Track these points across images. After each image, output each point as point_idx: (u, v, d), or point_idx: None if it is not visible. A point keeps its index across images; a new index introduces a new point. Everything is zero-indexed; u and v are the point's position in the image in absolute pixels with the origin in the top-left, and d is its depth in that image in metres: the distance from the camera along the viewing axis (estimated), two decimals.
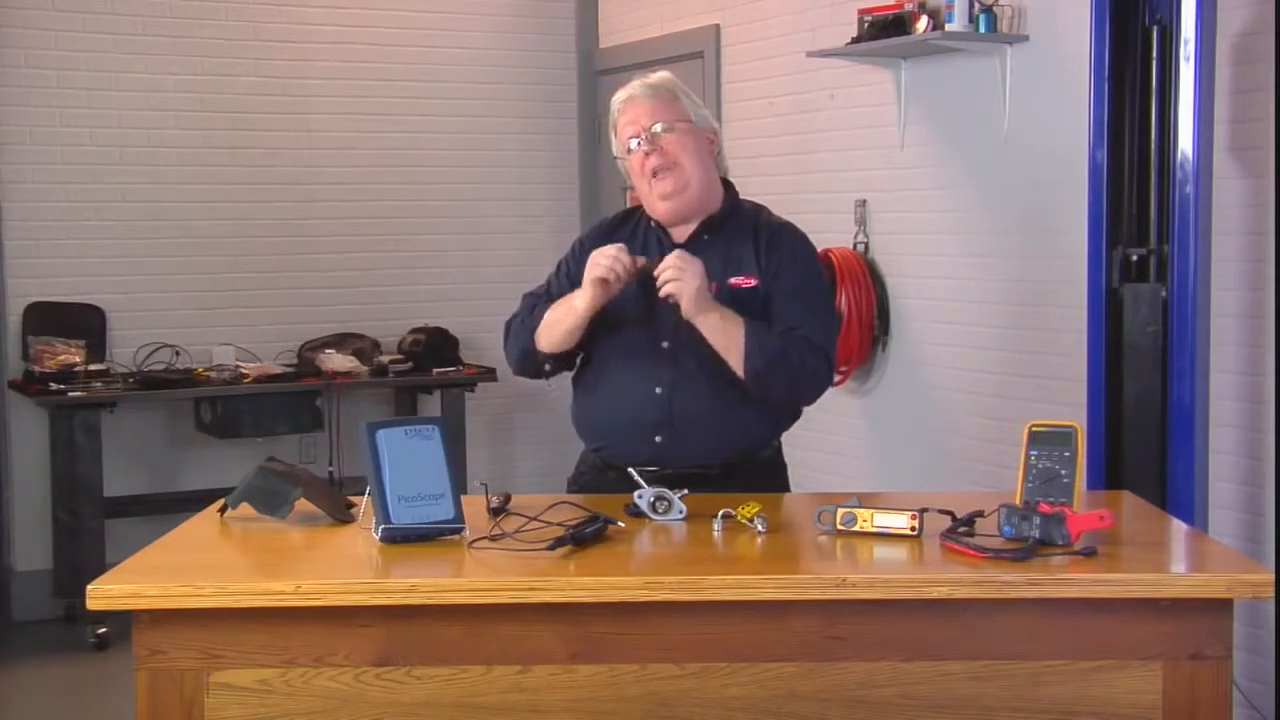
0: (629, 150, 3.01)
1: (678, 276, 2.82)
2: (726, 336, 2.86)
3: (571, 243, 3.21)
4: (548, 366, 3.06)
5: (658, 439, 2.92)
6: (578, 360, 3.09)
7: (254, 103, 6.06)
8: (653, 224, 3.06)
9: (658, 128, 2.97)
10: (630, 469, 2.70)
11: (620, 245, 2.90)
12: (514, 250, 6.40)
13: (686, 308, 2.83)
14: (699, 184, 2.99)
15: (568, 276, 3.10)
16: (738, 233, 3.02)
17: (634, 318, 2.97)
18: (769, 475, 3.04)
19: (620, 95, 3.06)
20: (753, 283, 2.96)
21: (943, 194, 4.84)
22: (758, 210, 3.12)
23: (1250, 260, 3.85)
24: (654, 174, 2.97)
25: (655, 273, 2.85)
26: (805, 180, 5.37)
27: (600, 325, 2.96)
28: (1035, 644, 2.25)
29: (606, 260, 2.86)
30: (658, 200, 2.99)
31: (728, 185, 3.11)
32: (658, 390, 2.93)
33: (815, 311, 2.99)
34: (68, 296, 5.74)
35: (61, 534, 5.66)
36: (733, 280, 2.96)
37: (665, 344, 2.95)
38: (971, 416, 4.76)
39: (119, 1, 5.83)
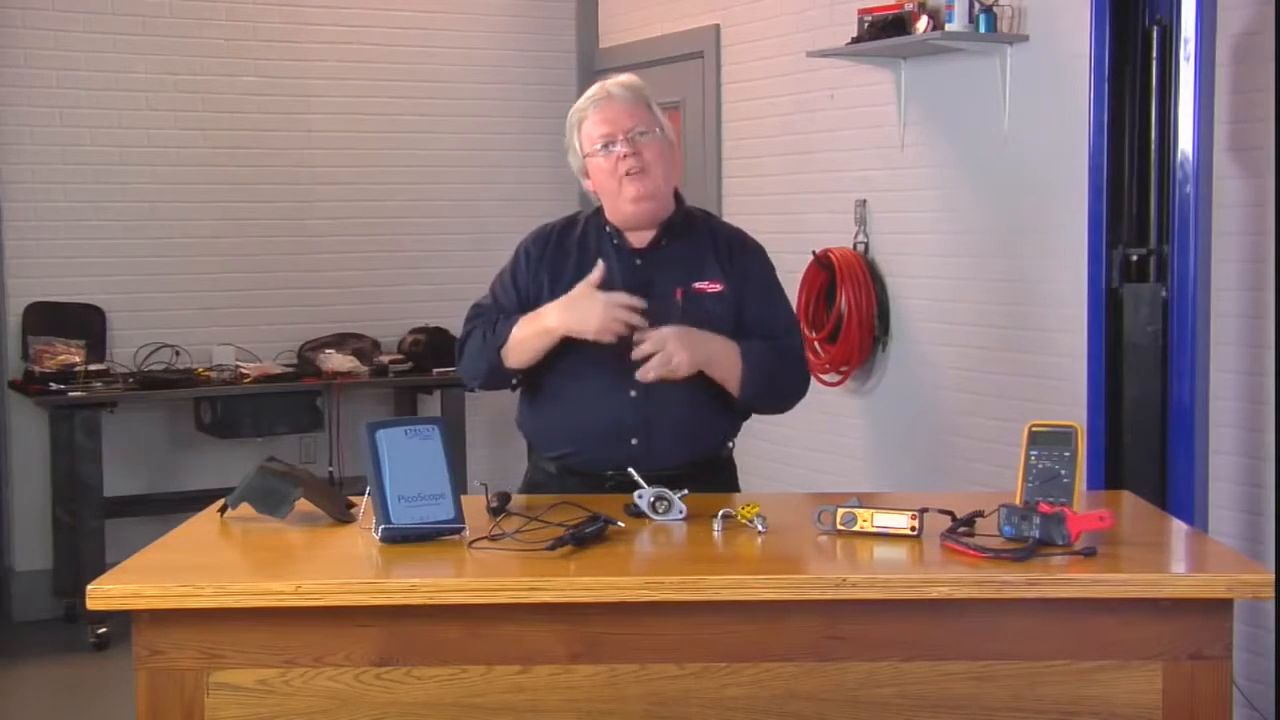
0: (602, 149, 2.96)
1: (673, 367, 2.81)
2: (726, 369, 2.91)
3: (515, 250, 3.16)
4: (515, 381, 3.06)
5: (633, 441, 2.91)
6: None
7: (254, 103, 6.06)
8: (608, 229, 3.03)
9: (638, 131, 2.95)
10: (630, 469, 2.69)
11: (630, 305, 2.85)
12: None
13: (689, 370, 2.85)
14: (665, 194, 3.00)
15: (514, 287, 3.09)
16: (694, 237, 3.04)
17: None
18: (724, 475, 3.07)
19: (594, 93, 3.01)
20: (718, 288, 2.97)
21: (943, 194, 4.84)
22: (708, 216, 3.17)
23: (1250, 260, 3.85)
24: (627, 174, 2.93)
25: (641, 377, 2.83)
26: (805, 180, 5.38)
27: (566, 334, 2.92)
28: (1035, 644, 2.25)
29: (612, 326, 2.83)
30: (628, 202, 2.95)
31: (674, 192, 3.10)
32: (632, 394, 2.91)
33: (787, 314, 3.08)
34: (68, 296, 5.74)
35: (61, 534, 5.66)
36: (697, 285, 2.96)
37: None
38: (971, 416, 4.76)
39: (119, 1, 5.83)
